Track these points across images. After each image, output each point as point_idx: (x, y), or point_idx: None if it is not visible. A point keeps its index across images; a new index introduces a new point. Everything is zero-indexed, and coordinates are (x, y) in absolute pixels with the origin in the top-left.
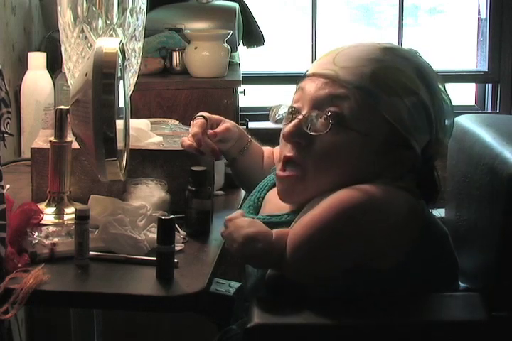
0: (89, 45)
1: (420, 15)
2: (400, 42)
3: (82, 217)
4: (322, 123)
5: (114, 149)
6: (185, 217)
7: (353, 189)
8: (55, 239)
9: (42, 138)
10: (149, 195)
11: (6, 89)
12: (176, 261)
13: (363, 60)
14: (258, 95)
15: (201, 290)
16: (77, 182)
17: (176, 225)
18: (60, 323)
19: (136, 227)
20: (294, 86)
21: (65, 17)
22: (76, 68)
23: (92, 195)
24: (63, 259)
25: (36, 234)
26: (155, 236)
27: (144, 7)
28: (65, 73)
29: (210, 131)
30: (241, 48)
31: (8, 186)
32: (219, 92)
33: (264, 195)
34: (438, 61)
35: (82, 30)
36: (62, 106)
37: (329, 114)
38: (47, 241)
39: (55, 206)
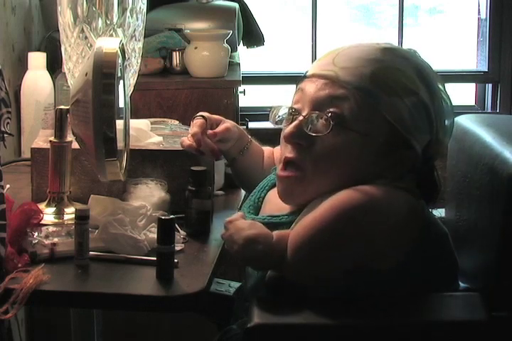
0: (89, 45)
1: (420, 15)
2: (400, 42)
3: (82, 217)
4: (322, 124)
5: (114, 149)
6: (185, 217)
7: (353, 190)
8: (55, 239)
9: (42, 138)
10: (149, 195)
11: (6, 89)
12: (176, 261)
13: (363, 60)
14: (258, 95)
15: (201, 290)
16: (77, 182)
17: (176, 225)
18: (60, 323)
19: (136, 227)
20: (294, 86)
21: (65, 17)
22: (76, 68)
23: (92, 195)
24: (63, 259)
25: (36, 234)
26: (155, 236)
27: (144, 7)
28: (65, 73)
29: (209, 131)
30: (241, 48)
31: (8, 186)
32: (219, 92)
33: (265, 195)
34: (438, 61)
35: (82, 30)
36: (62, 106)
37: (329, 114)
38: (47, 241)
39: (55, 206)
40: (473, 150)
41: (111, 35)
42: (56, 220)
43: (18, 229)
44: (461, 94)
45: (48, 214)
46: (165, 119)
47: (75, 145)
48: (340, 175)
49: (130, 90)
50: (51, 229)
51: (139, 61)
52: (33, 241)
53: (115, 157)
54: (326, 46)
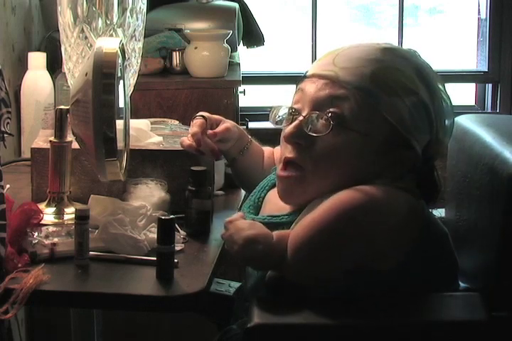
0: (89, 45)
1: (420, 15)
2: (400, 42)
3: (82, 217)
4: (322, 124)
5: (114, 149)
6: (185, 217)
7: (353, 190)
8: (55, 239)
9: (42, 138)
10: (149, 195)
11: (6, 89)
12: (176, 261)
13: (363, 60)
14: (258, 95)
15: (201, 290)
16: (77, 182)
17: (176, 225)
18: (60, 323)
19: (136, 227)
20: (294, 86)
21: (65, 17)
22: (76, 68)
23: (92, 195)
24: (63, 259)
25: (36, 234)
26: (155, 236)
27: (144, 7)
28: (65, 73)
29: (209, 131)
30: (241, 48)
31: (8, 186)
32: (219, 92)
33: (265, 195)
34: (438, 61)
35: (82, 30)
36: (62, 106)
37: (330, 114)
38: (47, 241)
39: (55, 206)
40: (473, 150)
41: (111, 35)
42: (56, 220)
43: (18, 229)
44: (461, 94)
45: (48, 214)
46: (165, 119)
47: (75, 145)
48: (340, 175)
49: (130, 90)
50: (51, 229)
51: (139, 61)
52: (33, 241)
53: (115, 157)
54: (326, 46)
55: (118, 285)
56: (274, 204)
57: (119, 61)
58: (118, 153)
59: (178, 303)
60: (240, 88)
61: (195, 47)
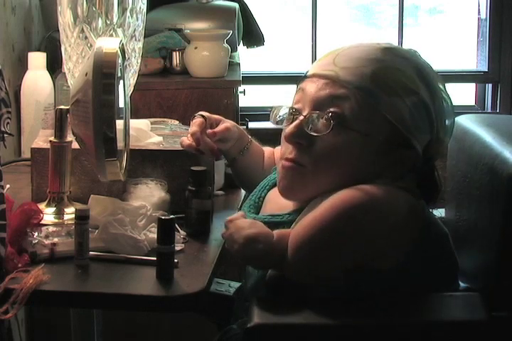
0: (89, 45)
1: (420, 15)
2: (400, 42)
3: (82, 217)
4: (323, 123)
5: (114, 149)
6: (185, 217)
7: (354, 189)
8: (55, 239)
9: (42, 138)
10: (149, 195)
11: (6, 89)
12: (176, 261)
13: (363, 60)
14: (258, 95)
15: (201, 290)
16: (77, 182)
17: (176, 225)
18: (60, 323)
19: (136, 227)
20: (294, 86)
21: (65, 17)
22: (76, 68)
23: (92, 195)
24: (63, 259)
25: (36, 234)
26: (155, 236)
27: (144, 7)
28: (65, 73)
29: (209, 131)
30: (241, 48)
31: (8, 186)
32: (219, 92)
33: (265, 195)
34: (438, 61)
35: (82, 30)
36: (62, 106)
37: (330, 114)
38: (47, 241)
39: (55, 206)
40: (473, 150)
41: (111, 35)
42: (56, 220)
43: (18, 229)
44: (461, 94)
45: (48, 214)
46: (165, 119)
47: (75, 145)
48: (340, 175)
49: (130, 90)
50: (51, 229)
51: (139, 61)
52: (33, 241)
53: (115, 157)
54: (326, 46)
55: (118, 285)
56: (275, 203)
57: (119, 61)
58: (118, 153)
59: (178, 303)
60: (240, 88)
61: (195, 47)
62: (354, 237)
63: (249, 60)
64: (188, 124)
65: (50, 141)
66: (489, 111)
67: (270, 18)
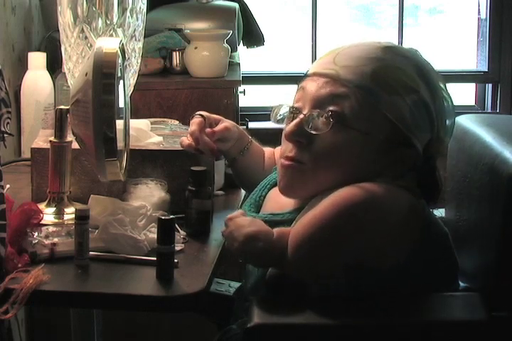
0: (89, 45)
1: (420, 15)
2: (400, 42)
3: (82, 217)
4: (323, 122)
5: (114, 149)
6: (185, 217)
7: (354, 187)
8: (55, 239)
9: (42, 138)
10: (149, 195)
11: (6, 89)
12: (176, 261)
13: (364, 59)
14: (258, 95)
15: (201, 290)
16: (77, 182)
17: (176, 225)
18: (60, 323)
19: (136, 227)
20: (294, 86)
21: (65, 17)
22: (76, 68)
23: (92, 195)
24: (63, 259)
25: (36, 234)
26: (155, 236)
27: (144, 7)
28: (65, 73)
29: (208, 130)
30: (241, 48)
31: (8, 186)
32: (219, 92)
33: (266, 194)
34: (438, 61)
35: (82, 30)
36: (62, 106)
37: (330, 113)
38: (47, 241)
39: (55, 206)
40: (473, 150)
41: (111, 35)
42: (56, 220)
43: (18, 229)
44: (461, 94)
45: (48, 214)
46: (165, 119)
47: (75, 145)
48: (340, 173)
49: (130, 90)
50: (51, 229)
51: (139, 61)
52: (33, 241)
53: (115, 157)
54: (326, 46)
55: (118, 285)
56: (276, 202)
57: (119, 61)
58: (118, 153)
59: (178, 303)
60: (240, 88)
61: (195, 47)
62: (354, 234)
63: (249, 60)
64: (188, 124)
65: (50, 141)
66: (489, 111)
67: (270, 18)
